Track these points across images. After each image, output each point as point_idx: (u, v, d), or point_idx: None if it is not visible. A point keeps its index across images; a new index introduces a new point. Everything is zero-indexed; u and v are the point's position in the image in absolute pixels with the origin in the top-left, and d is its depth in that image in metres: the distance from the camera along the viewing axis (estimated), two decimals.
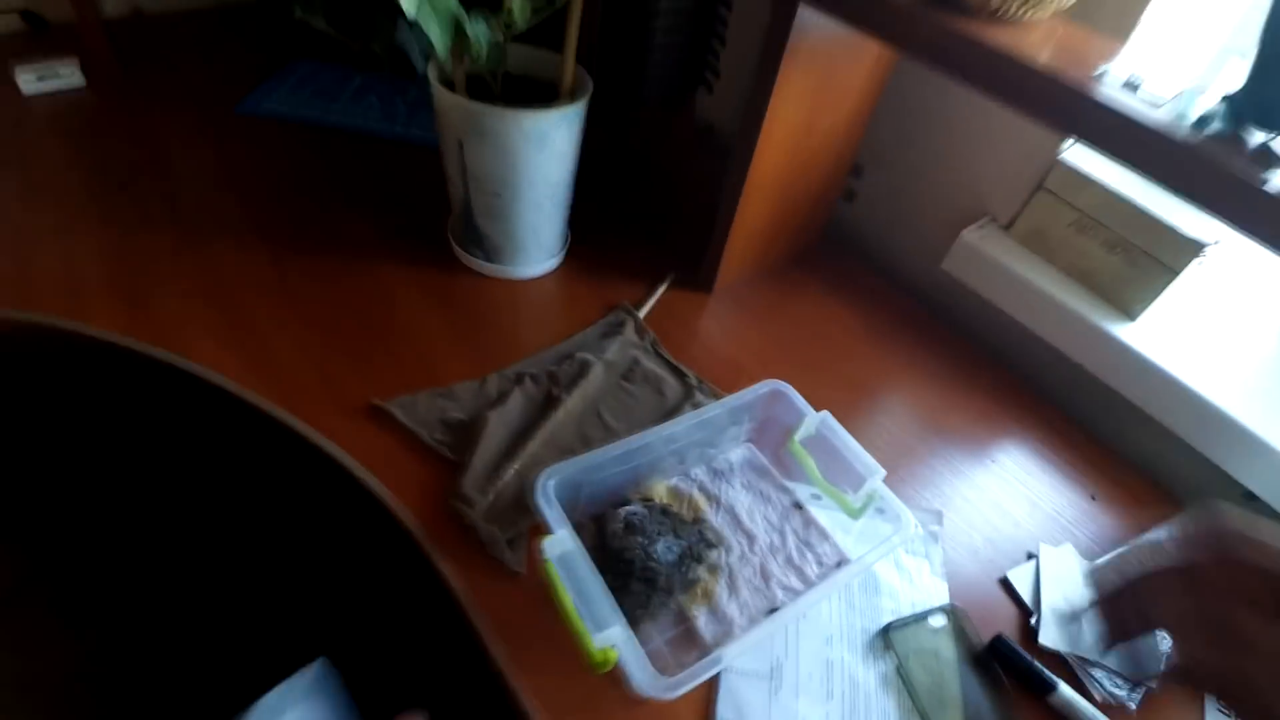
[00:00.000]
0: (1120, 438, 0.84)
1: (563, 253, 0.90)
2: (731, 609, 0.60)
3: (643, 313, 0.85)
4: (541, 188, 0.78)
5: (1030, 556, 0.71)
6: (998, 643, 0.62)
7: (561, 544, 0.53)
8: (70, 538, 0.83)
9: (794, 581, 0.63)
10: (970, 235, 0.88)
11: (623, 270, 0.91)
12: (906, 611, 0.63)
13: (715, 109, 1.13)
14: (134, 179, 0.89)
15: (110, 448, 0.89)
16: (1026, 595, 0.67)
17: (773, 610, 0.61)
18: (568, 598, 0.51)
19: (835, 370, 0.84)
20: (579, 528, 0.63)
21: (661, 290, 0.89)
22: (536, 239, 0.84)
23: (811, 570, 0.64)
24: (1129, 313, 0.81)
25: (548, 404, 0.73)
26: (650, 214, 1.01)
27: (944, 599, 0.65)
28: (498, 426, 0.70)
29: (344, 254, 0.86)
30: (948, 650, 0.62)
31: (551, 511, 0.55)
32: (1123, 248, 0.81)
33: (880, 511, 0.66)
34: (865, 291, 0.96)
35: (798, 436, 0.68)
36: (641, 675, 0.48)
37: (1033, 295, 0.84)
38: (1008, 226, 0.90)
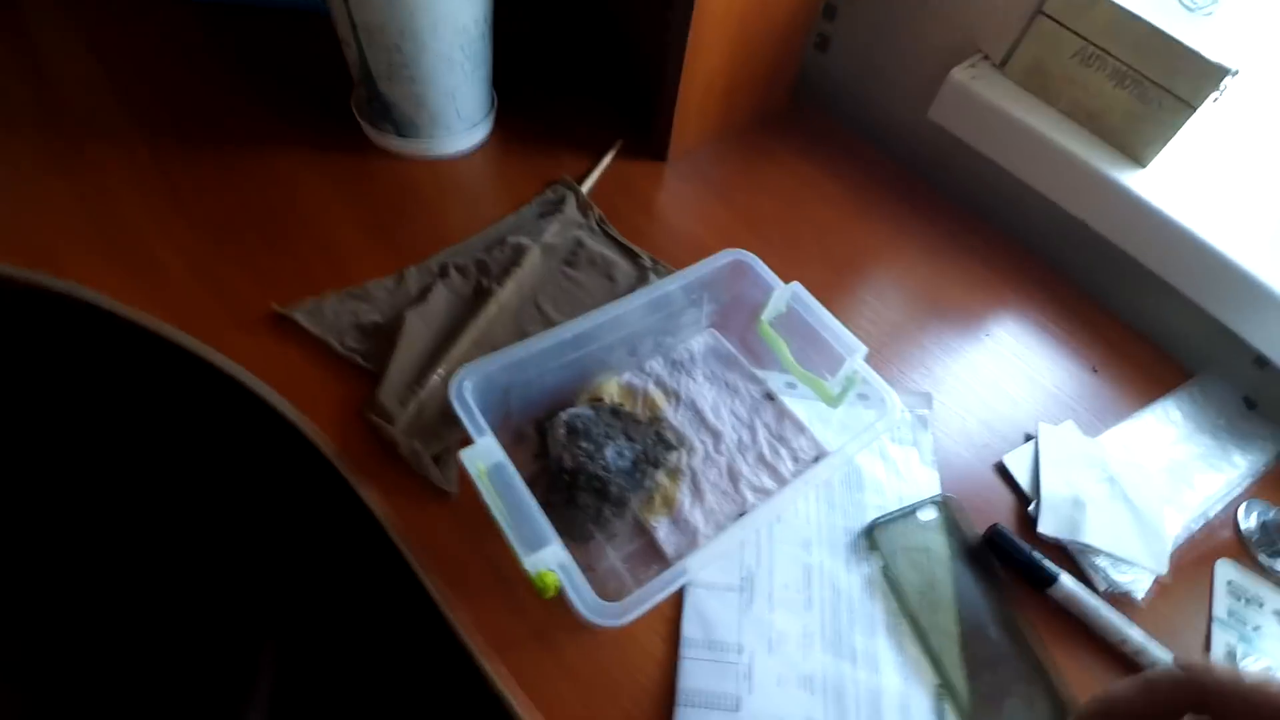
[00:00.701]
0: (1125, 304, 0.76)
1: (489, 122, 0.78)
2: (695, 517, 0.53)
3: (586, 187, 0.74)
4: (449, 34, 0.65)
5: (1028, 438, 0.64)
6: (994, 534, 0.56)
7: (484, 454, 0.45)
8: None
9: (766, 481, 0.56)
10: (959, 75, 0.77)
11: (562, 140, 0.79)
12: (894, 507, 0.57)
13: None
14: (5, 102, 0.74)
15: None
16: (1024, 481, 0.61)
17: (742, 514, 0.54)
18: (503, 513, 0.43)
19: (813, 245, 0.75)
20: (519, 438, 0.55)
21: (608, 160, 0.77)
22: (453, 104, 0.71)
23: (786, 468, 0.57)
24: (1139, 158, 0.72)
25: (477, 298, 0.63)
26: (592, 70, 0.88)
27: (935, 490, 0.59)
28: (419, 327, 0.60)
29: (236, 145, 0.73)
30: (939, 546, 0.56)
31: (470, 416, 0.47)
32: (1133, 80, 0.70)
33: (863, 398, 0.59)
34: (844, 153, 0.85)
35: (766, 316, 0.59)
36: (583, 601, 0.41)
37: (1030, 142, 0.74)
38: (1002, 64, 0.78)
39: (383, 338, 0.60)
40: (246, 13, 0.87)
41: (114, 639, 0.61)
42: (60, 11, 0.84)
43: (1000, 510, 0.60)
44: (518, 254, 0.66)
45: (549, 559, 0.42)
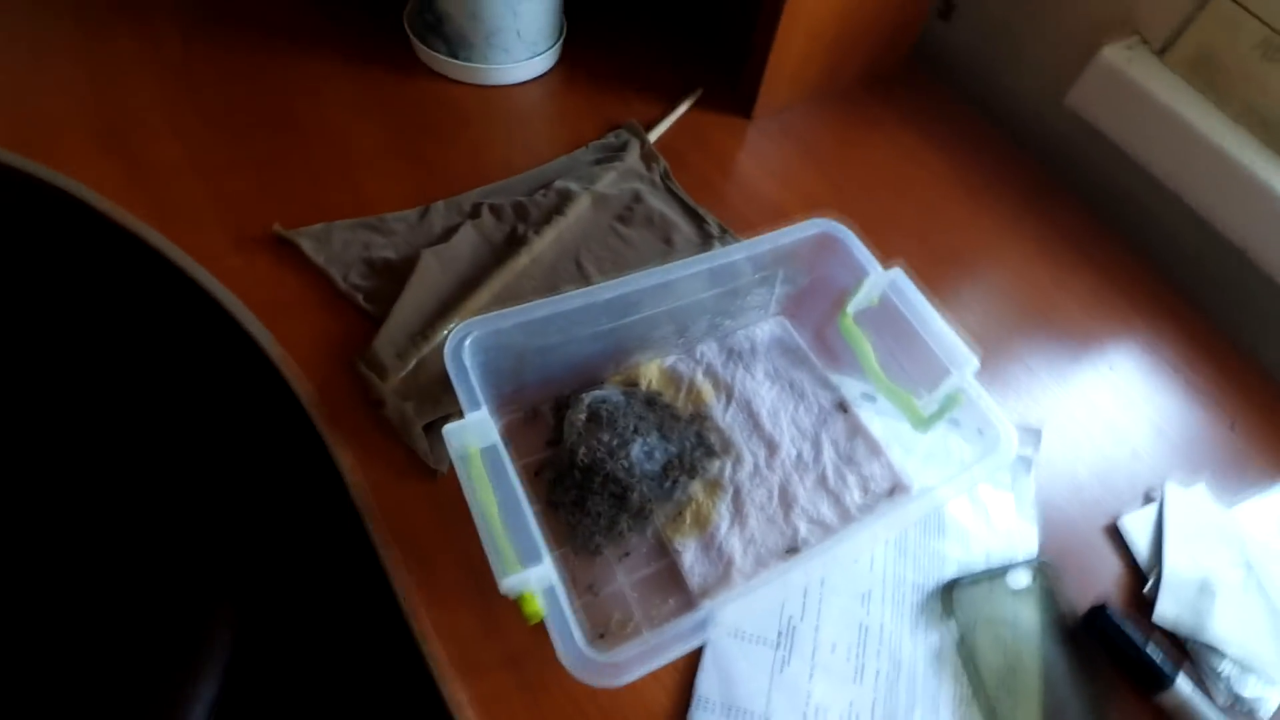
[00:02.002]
0: (1276, 353, 0.61)
1: (554, 51, 0.66)
2: (732, 544, 0.42)
3: (655, 135, 0.62)
4: None
5: (1149, 499, 0.50)
6: (1098, 615, 0.43)
7: (475, 432, 0.34)
8: None
9: (825, 513, 0.44)
10: (1113, 55, 0.62)
11: (635, 80, 0.67)
12: (979, 564, 0.44)
13: None
14: None
15: None
16: (1141, 552, 0.48)
17: (791, 551, 0.42)
18: (485, 513, 0.32)
19: (912, 229, 0.61)
20: (530, 417, 0.44)
21: (684, 108, 0.65)
22: (514, 21, 0.60)
23: (852, 499, 0.45)
24: None
25: (509, 245, 0.52)
26: (683, 13, 0.75)
27: (1031, 549, 0.46)
28: (434, 270, 0.49)
29: (272, 44, 0.63)
30: (1029, 620, 0.43)
31: (464, 382, 0.36)
32: None
33: (954, 424, 0.45)
34: (958, 130, 0.70)
35: (852, 307, 0.46)
36: (567, 648, 0.30)
37: (1189, 144, 0.59)
38: (1163, 50, 0.62)
39: (392, 277, 0.49)
40: None
41: (59, 581, 0.53)
42: None
43: (1107, 583, 0.46)
44: (563, 200, 0.55)
45: (533, 581, 0.31)
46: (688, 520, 0.42)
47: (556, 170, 0.58)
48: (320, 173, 0.56)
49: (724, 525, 0.42)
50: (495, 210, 0.54)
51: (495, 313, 0.39)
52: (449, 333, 0.46)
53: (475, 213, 0.54)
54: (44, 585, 0.54)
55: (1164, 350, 0.59)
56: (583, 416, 0.42)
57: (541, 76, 0.66)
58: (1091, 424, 0.53)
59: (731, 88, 0.67)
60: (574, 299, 0.40)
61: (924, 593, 0.43)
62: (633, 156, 0.60)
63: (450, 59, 0.62)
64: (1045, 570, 0.45)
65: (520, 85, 0.65)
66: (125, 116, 0.56)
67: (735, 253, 0.44)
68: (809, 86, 0.68)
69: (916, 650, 0.41)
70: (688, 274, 0.43)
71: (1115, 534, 0.48)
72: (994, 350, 0.55)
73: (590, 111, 0.64)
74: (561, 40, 0.66)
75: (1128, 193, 0.67)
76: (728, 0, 0.69)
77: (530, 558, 0.31)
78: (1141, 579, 0.47)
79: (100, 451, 0.64)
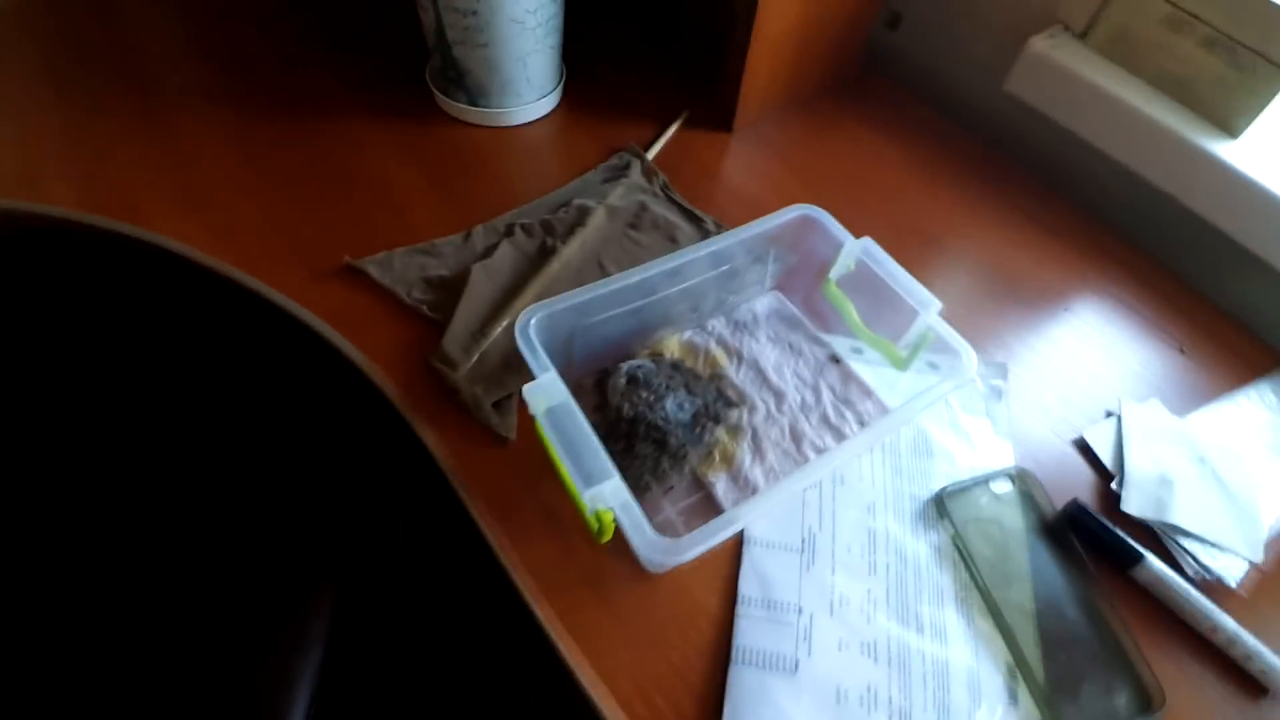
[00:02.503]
0: (1214, 283, 0.68)
1: (558, 91, 0.75)
2: (755, 473, 0.49)
3: (652, 154, 0.71)
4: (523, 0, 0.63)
5: (1110, 414, 0.58)
6: (1074, 509, 0.50)
7: (547, 391, 0.42)
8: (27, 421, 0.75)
9: (829, 442, 0.52)
10: (1038, 44, 0.70)
11: (629, 110, 0.76)
12: (965, 477, 0.52)
13: None
14: (89, 52, 0.76)
15: (81, 330, 0.80)
16: (1107, 457, 0.55)
17: None
18: (556, 453, 0.40)
19: (880, 211, 0.70)
20: (577, 390, 0.52)
21: (674, 129, 0.74)
22: (524, 72, 0.69)
23: (851, 430, 0.52)
24: (1230, 128, 0.64)
25: (541, 256, 0.61)
26: (660, 42, 0.84)
27: (1009, 463, 0.53)
28: (483, 281, 0.58)
29: (313, 109, 0.73)
30: (1013, 519, 0.50)
31: (534, 354, 0.44)
32: (1224, 45, 0.63)
33: (933, 367, 0.53)
34: (915, 124, 0.79)
35: (834, 274, 0.54)
36: (640, 537, 0.38)
37: (1114, 113, 0.67)
38: (1083, 34, 0.71)
39: (449, 290, 0.58)
40: None
41: (171, 571, 0.61)
42: None
43: (1080, 486, 0.54)
44: (582, 215, 0.63)
45: (609, 495, 0.39)
46: (717, 458, 0.50)
47: (572, 191, 0.67)
48: (372, 213, 0.64)
49: (747, 460, 0.50)
50: (526, 229, 0.63)
51: (551, 299, 0.47)
52: (505, 325, 0.55)
53: (510, 232, 0.62)
54: (160, 564, 0.61)
55: (1116, 292, 0.66)
56: (623, 380, 0.50)
57: (548, 115, 0.75)
58: (1054, 358, 0.61)
59: (711, 108, 0.76)
60: (609, 284, 0.48)
61: (920, 502, 0.50)
62: (635, 174, 0.68)
63: (471, 107, 0.71)
64: (1023, 476, 0.52)
65: (531, 124, 0.74)
66: (196, 184, 0.65)
67: (730, 238, 0.52)
68: (777, 99, 0.77)
69: (919, 547, 0.48)
70: (694, 258, 0.51)
71: (1083, 446, 0.56)
72: (964, 307, 0.63)
73: (593, 140, 0.73)
74: (563, 83, 0.75)
75: (1070, 161, 0.75)
76: (703, 32, 0.78)
77: (604, 475, 0.39)
78: (1108, 480, 0.54)
79: (217, 453, 0.71)
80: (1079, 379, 0.60)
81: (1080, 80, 0.68)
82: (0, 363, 0.75)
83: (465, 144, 0.71)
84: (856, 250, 0.52)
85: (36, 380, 0.75)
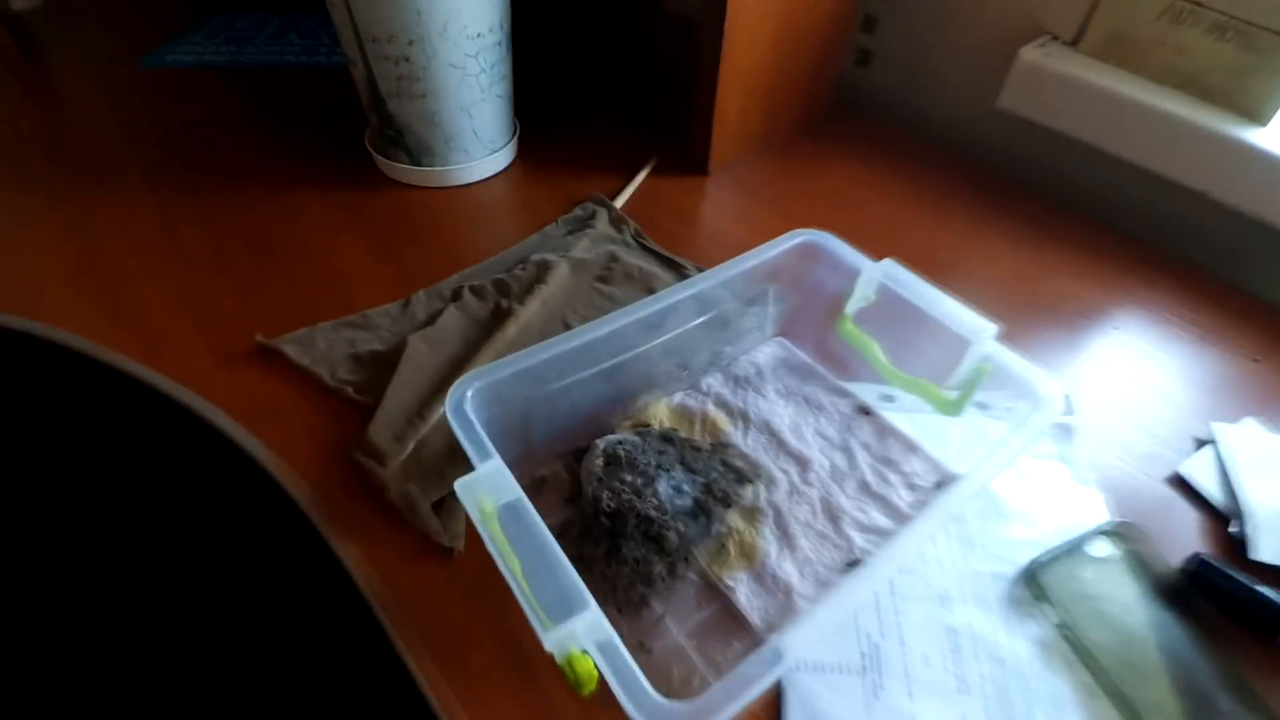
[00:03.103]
0: (1268, 279, 0.58)
1: (511, 147, 0.66)
2: (787, 570, 0.36)
3: (619, 203, 0.61)
4: (460, 39, 0.55)
5: (1203, 443, 0.46)
6: (1198, 566, 0.38)
7: (489, 485, 0.30)
8: None
9: (877, 517, 0.39)
10: (1030, 54, 0.63)
11: (592, 162, 0.67)
12: (1052, 541, 0.39)
13: None
14: (18, 156, 0.67)
15: None
16: (1214, 494, 0.43)
17: (852, 564, 0.37)
18: (513, 569, 0.27)
19: (884, 245, 0.58)
20: (540, 483, 0.39)
21: (643, 176, 0.65)
22: (469, 123, 0.60)
23: (900, 498, 0.40)
24: (1256, 115, 0.56)
25: (495, 320, 0.49)
26: (622, 92, 0.77)
27: (1101, 516, 0.41)
28: (423, 354, 0.46)
29: (245, 190, 0.63)
30: (1125, 589, 0.37)
31: (470, 435, 0.32)
32: (1236, 30, 0.56)
33: (982, 408, 0.41)
34: (901, 154, 0.70)
35: (850, 308, 0.43)
36: (635, 700, 0.24)
37: (1126, 113, 0.59)
38: (1074, 42, 0.64)
39: (382, 368, 0.46)
40: (280, 75, 0.80)
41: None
42: (85, 74, 0.79)
43: (1191, 535, 0.41)
44: (542, 271, 0.53)
45: (582, 634, 0.26)
46: (732, 553, 0.37)
47: (531, 247, 0.57)
48: (302, 288, 0.54)
49: (773, 551, 0.37)
50: (476, 290, 0.52)
51: (493, 363, 0.35)
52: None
53: (457, 296, 0.51)
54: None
55: (1164, 303, 0.56)
56: (600, 462, 0.37)
57: (502, 171, 0.66)
58: (1117, 384, 0.50)
59: (681, 153, 0.67)
60: (567, 339, 0.37)
61: (1005, 582, 0.37)
62: (602, 223, 0.59)
63: (414, 167, 0.62)
64: (1126, 532, 0.39)
65: (484, 182, 0.64)
66: (106, 267, 0.55)
67: (715, 276, 0.41)
68: (752, 139, 0.68)
69: (1017, 645, 0.35)
70: (673, 302, 0.40)
71: (1180, 484, 0.43)
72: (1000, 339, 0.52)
73: (554, 195, 0.63)
74: (516, 137, 0.67)
75: (1081, 171, 0.66)
76: (667, 76, 0.70)
77: (573, 607, 0.26)
78: (1224, 521, 0.41)
79: (105, 591, 0.57)
80: (1152, 405, 0.48)
81: (1083, 85, 0.60)
82: None
83: (410, 208, 0.61)
84: (877, 275, 0.41)
85: None
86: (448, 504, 0.38)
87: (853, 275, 0.43)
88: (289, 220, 0.60)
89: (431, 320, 0.49)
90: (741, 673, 0.26)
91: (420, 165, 0.62)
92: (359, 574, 0.36)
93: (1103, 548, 0.39)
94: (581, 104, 0.75)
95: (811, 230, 0.44)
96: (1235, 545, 0.40)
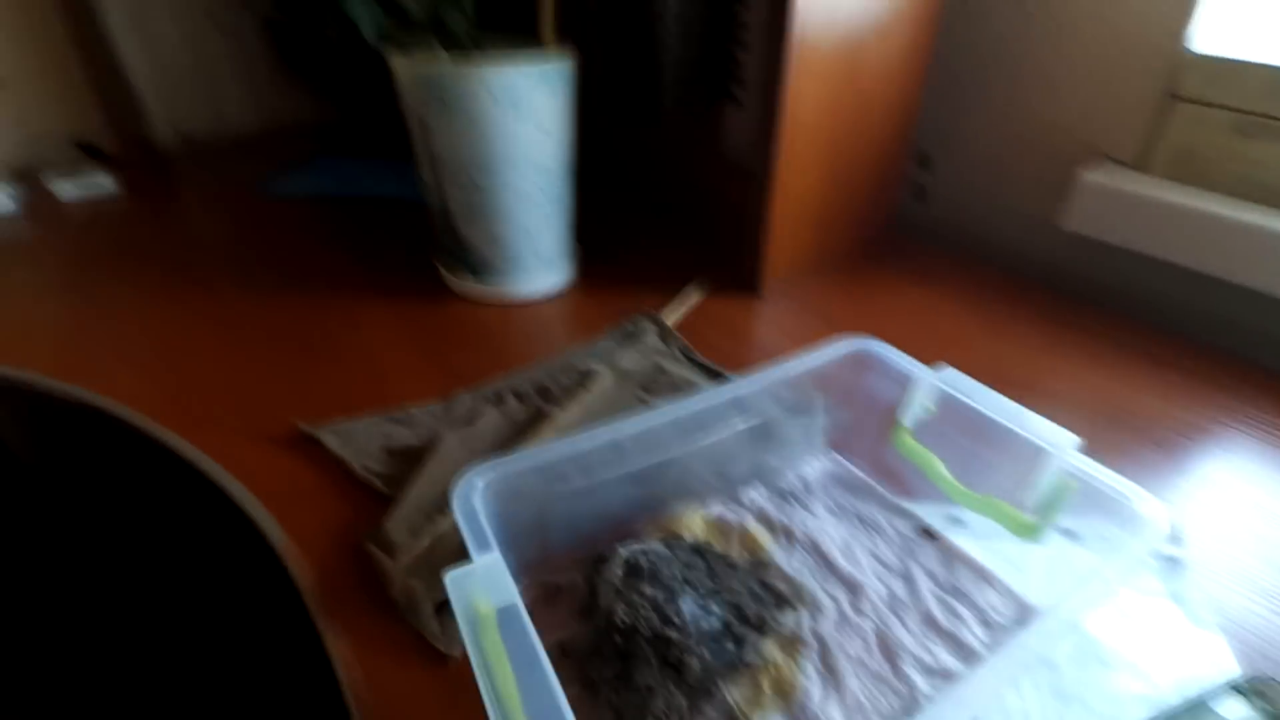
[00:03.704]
0: None
1: (569, 268, 0.68)
2: (832, 714, 0.30)
3: (671, 319, 0.60)
4: (527, 171, 0.58)
5: None
6: None
7: (487, 581, 0.26)
8: None
9: (944, 658, 0.32)
10: (1093, 176, 0.61)
11: (646, 283, 0.68)
12: (1168, 698, 0.31)
13: (745, 128, 0.93)
14: (133, 258, 0.75)
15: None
16: None
17: (911, 713, 0.30)
18: (500, 692, 0.23)
19: (949, 362, 0.56)
20: (554, 592, 0.35)
21: (694, 293, 0.64)
22: (531, 245, 0.62)
23: (972, 636, 0.33)
24: None
25: (532, 422, 0.47)
26: (678, 218, 0.79)
27: (1229, 666, 0.32)
28: (454, 450, 0.44)
29: (317, 293, 0.67)
30: None
31: (472, 525, 0.28)
32: None
33: (1069, 535, 0.35)
34: (967, 276, 0.68)
35: (907, 420, 0.39)
36: None
37: (1205, 227, 0.55)
38: (1134, 164, 0.62)
39: (412, 462, 0.44)
40: (376, 204, 0.87)
41: None
42: (208, 197, 0.88)
43: None
44: (585, 378, 0.51)
45: None
46: (766, 689, 0.31)
47: (578, 355, 0.56)
48: (351, 382, 0.54)
49: (815, 691, 0.31)
50: (519, 395, 0.50)
51: (509, 456, 0.33)
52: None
53: (500, 399, 0.50)
54: None
55: (1271, 421, 0.48)
56: (620, 571, 0.33)
57: (559, 291, 0.67)
58: (1230, 509, 0.42)
59: (735, 273, 0.67)
60: (593, 437, 0.34)
61: None
62: (650, 337, 0.57)
63: (476, 283, 0.64)
64: (1265, 690, 0.31)
65: (540, 301, 0.65)
66: (170, 350, 0.58)
67: (761, 379, 0.38)
68: (806, 259, 0.67)
69: None
70: (714, 403, 0.37)
71: None
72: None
73: (607, 312, 0.63)
74: (577, 261, 0.68)
75: (1158, 288, 0.62)
76: (721, 200, 0.72)
77: None
78: None
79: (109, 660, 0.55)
80: (1273, 533, 0.40)
81: (1153, 203, 0.58)
82: None
83: (468, 319, 0.62)
84: (934, 386, 0.37)
85: None
86: (451, 609, 0.34)
87: (908, 384, 0.39)
88: (351, 323, 0.62)
89: (471, 420, 0.48)
90: None
91: (481, 281, 0.64)
92: (344, 672, 0.32)
93: (1236, 708, 0.30)
94: (641, 230, 0.78)
95: (862, 337, 0.41)
96: None
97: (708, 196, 0.79)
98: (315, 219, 0.83)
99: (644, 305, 0.63)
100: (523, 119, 0.56)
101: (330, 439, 0.46)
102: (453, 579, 0.26)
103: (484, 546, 0.28)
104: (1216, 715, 0.30)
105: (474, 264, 0.63)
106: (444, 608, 0.34)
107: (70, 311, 0.64)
